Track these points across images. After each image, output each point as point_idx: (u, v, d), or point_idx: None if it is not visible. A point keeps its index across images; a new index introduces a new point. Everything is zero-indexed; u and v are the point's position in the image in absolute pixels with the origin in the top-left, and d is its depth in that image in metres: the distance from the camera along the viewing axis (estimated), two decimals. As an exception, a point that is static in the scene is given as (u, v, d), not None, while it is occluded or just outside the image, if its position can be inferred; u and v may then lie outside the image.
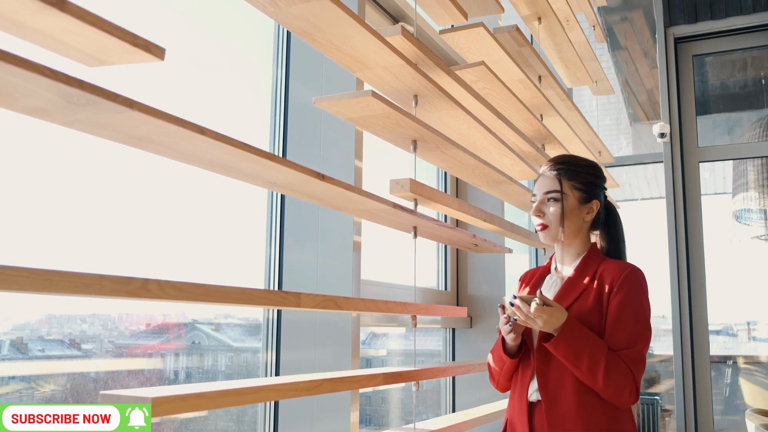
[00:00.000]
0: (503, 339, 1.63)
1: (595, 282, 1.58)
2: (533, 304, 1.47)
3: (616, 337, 1.51)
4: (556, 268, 1.71)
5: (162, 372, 1.62)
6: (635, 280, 1.56)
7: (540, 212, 1.64)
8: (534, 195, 1.67)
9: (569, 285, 1.61)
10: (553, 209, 1.63)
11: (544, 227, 1.64)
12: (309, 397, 1.72)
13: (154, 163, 1.27)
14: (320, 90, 1.88)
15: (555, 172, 1.64)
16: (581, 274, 1.62)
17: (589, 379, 1.48)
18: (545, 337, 1.53)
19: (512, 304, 1.50)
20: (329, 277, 1.80)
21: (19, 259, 1.22)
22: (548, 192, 1.64)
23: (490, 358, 1.72)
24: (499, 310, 1.57)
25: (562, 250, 1.68)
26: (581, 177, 1.64)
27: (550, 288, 1.67)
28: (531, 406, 1.58)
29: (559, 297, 1.60)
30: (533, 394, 1.58)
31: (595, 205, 1.66)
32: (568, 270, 1.66)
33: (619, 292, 1.54)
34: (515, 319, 1.51)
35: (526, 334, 1.62)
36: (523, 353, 1.63)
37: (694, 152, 3.50)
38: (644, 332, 1.53)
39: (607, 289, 1.56)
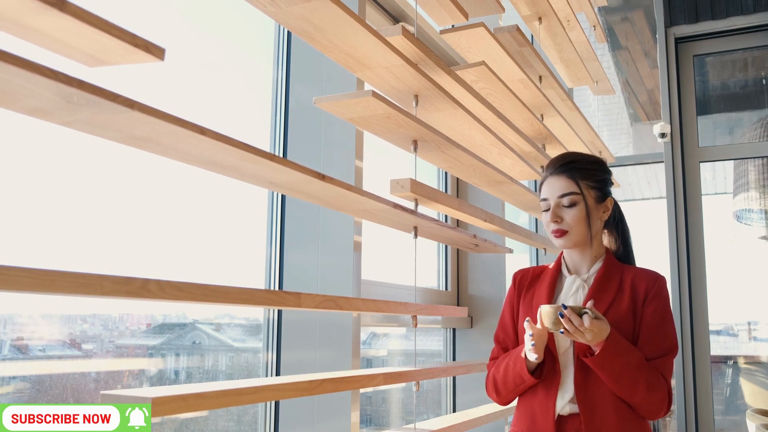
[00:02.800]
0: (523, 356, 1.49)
1: (627, 289, 1.52)
2: (586, 318, 1.36)
3: (655, 345, 1.47)
4: (568, 272, 1.60)
5: (162, 372, 1.62)
6: (665, 289, 1.53)
7: (557, 217, 1.51)
8: (544, 199, 1.55)
9: (598, 291, 1.52)
10: (572, 213, 1.51)
11: (564, 233, 1.51)
12: (310, 397, 1.72)
13: (155, 163, 1.27)
14: (321, 90, 1.88)
15: (568, 173, 1.52)
16: (607, 279, 1.53)
17: (628, 394, 1.43)
18: (585, 350, 1.45)
19: (562, 315, 1.37)
20: (330, 277, 1.80)
21: (18, 259, 1.22)
22: (564, 195, 1.51)
23: (495, 374, 1.57)
24: (526, 325, 1.44)
25: (578, 254, 1.58)
26: (594, 175, 1.54)
27: (574, 292, 1.56)
28: (560, 420, 1.47)
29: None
30: (565, 407, 1.48)
31: (610, 202, 1.57)
32: (586, 275, 1.57)
33: (654, 299, 1.50)
34: (562, 331, 1.39)
35: (550, 341, 1.50)
36: (546, 363, 1.50)
37: (694, 152, 3.49)
38: (676, 341, 1.51)
39: (641, 297, 1.50)
